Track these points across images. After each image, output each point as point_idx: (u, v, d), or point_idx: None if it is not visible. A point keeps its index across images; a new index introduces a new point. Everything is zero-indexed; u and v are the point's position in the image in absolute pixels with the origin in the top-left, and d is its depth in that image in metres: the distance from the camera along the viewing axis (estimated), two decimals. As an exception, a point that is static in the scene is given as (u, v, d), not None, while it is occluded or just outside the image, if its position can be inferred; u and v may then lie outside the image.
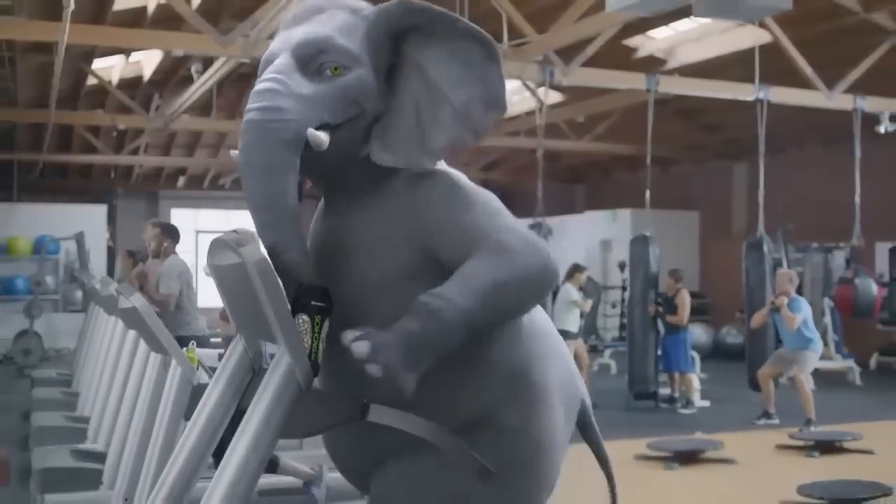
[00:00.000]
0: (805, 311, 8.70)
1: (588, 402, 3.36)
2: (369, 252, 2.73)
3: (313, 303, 2.90)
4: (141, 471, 4.55)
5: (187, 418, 3.63)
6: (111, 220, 17.55)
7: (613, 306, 16.06)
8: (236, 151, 2.79)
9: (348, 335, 2.55)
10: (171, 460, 3.36)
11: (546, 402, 2.95)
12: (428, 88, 2.72)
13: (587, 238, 17.37)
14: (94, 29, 9.26)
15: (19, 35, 8.00)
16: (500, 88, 2.81)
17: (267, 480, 4.46)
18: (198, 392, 3.56)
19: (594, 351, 14.15)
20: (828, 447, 7.58)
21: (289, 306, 2.80)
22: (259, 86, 2.66)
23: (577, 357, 10.01)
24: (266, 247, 2.70)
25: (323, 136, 2.61)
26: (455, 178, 2.86)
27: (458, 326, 2.55)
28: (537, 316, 3.08)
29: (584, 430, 3.35)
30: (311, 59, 2.66)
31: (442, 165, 2.94)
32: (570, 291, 10.16)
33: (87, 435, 6.39)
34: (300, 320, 2.89)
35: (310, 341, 2.91)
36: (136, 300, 4.24)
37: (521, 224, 2.79)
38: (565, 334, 9.78)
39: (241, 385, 3.15)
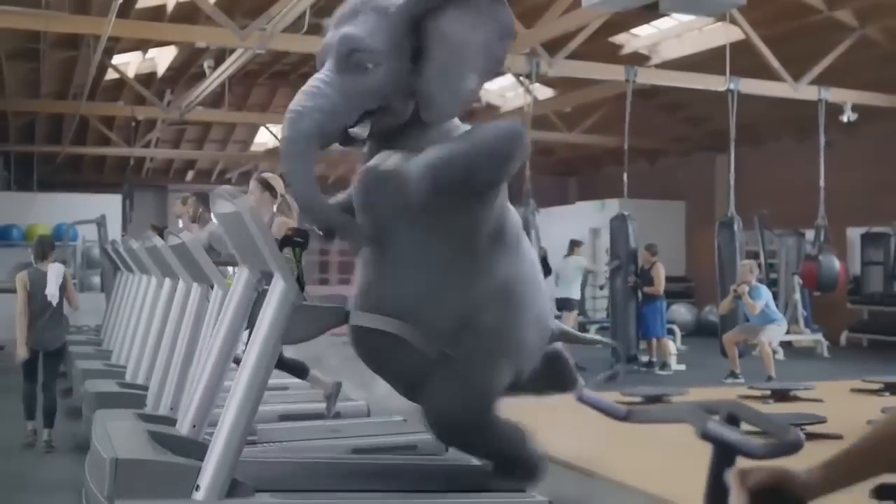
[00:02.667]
0: (765, 296, 9.73)
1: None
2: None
3: (295, 239, 4.02)
4: (185, 386, 5.43)
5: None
6: (125, 211, 18.35)
7: (601, 288, 16.93)
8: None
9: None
10: (202, 366, 4.32)
11: (522, 317, 3.88)
12: (452, 47, 3.71)
13: (577, 227, 18.18)
14: (131, 23, 10.10)
15: (62, 28, 8.85)
16: (510, 20, 3.81)
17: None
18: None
19: (581, 329, 15.05)
20: (782, 396, 8.45)
21: (276, 241, 3.86)
22: (304, 87, 3.69)
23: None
24: (283, 174, 3.71)
25: (359, 131, 3.71)
26: (455, 124, 3.91)
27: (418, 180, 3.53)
28: (534, 258, 4.10)
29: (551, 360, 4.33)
30: (349, 56, 3.66)
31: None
32: (578, 261, 11.35)
33: (126, 376, 7.27)
34: (286, 252, 3.99)
35: (295, 266, 4.01)
36: (185, 236, 5.13)
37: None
38: (569, 302, 10.99)
39: (249, 302, 4.12)
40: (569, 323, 10.50)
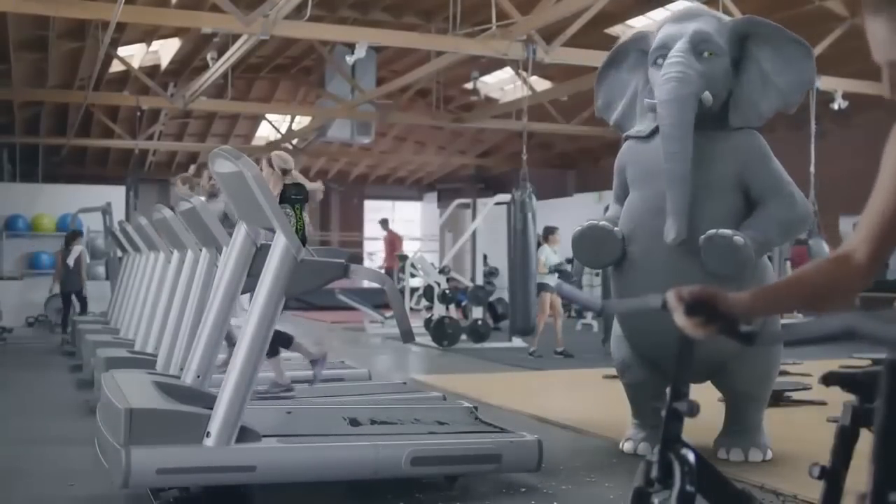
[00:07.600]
0: None
1: None
2: (705, 167, 4.72)
3: (293, 196, 4.27)
4: (192, 347, 5.65)
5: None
6: (128, 203, 18.57)
7: (597, 275, 17.16)
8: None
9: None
10: (202, 324, 4.54)
11: None
12: (761, 75, 4.84)
13: (574, 217, 18.29)
14: (139, 9, 10.29)
15: (71, 13, 9.05)
16: (812, 75, 4.96)
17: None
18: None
19: (579, 315, 15.31)
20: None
21: (276, 200, 4.14)
22: (672, 59, 4.72)
23: (552, 306, 11.22)
24: (667, 153, 4.68)
25: (709, 96, 4.70)
26: (760, 138, 4.91)
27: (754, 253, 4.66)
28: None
29: None
30: (699, 45, 4.73)
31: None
32: (548, 255, 11.34)
33: (136, 347, 7.50)
34: (286, 210, 4.23)
35: (295, 222, 4.24)
36: (195, 201, 5.36)
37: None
38: (545, 287, 11.09)
39: (248, 256, 4.36)
40: (545, 306, 10.87)
